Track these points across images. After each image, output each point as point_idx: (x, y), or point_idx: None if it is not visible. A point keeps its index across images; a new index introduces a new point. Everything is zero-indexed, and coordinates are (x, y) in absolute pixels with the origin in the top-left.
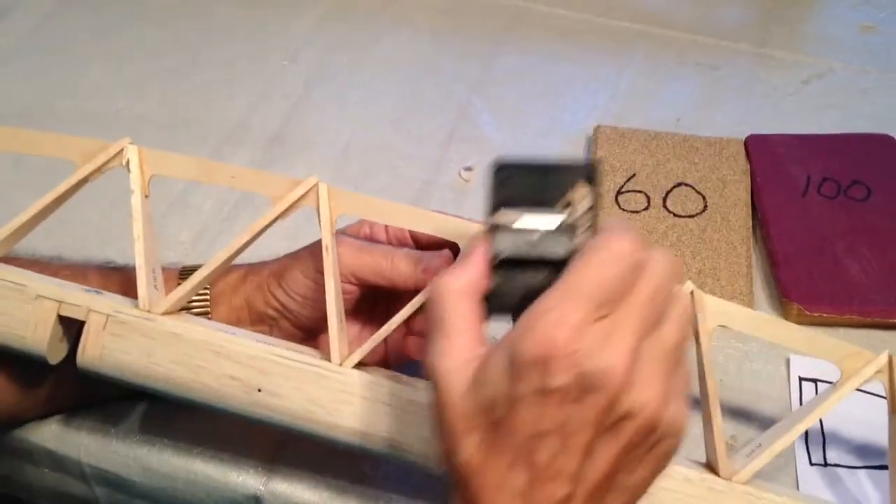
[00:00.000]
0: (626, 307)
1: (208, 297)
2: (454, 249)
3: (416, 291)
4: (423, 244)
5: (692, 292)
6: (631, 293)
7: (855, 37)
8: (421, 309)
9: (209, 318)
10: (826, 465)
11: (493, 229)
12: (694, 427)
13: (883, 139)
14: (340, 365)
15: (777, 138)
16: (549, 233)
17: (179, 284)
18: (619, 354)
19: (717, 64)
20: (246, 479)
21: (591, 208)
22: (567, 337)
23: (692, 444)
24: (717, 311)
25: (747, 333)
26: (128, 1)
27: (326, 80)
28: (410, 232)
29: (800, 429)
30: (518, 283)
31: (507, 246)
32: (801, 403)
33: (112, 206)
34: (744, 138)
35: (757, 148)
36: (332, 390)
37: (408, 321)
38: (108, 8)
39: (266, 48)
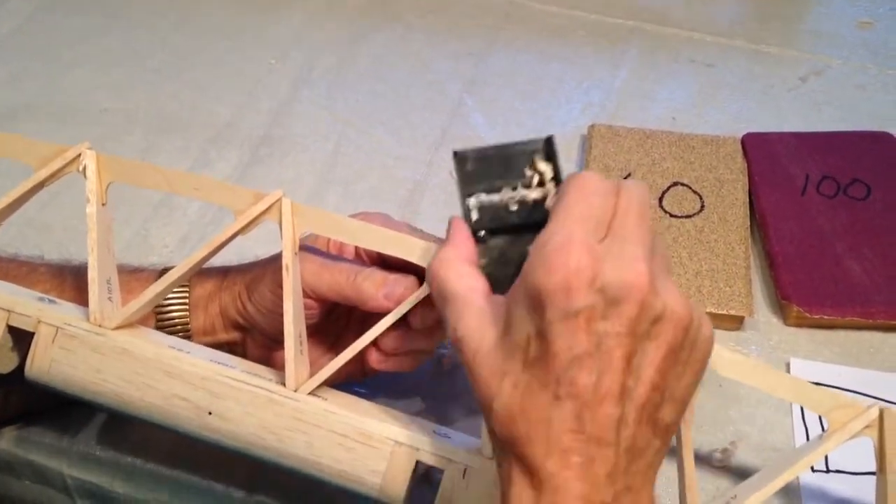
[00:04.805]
0: (622, 224)
1: (187, 304)
2: (422, 274)
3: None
4: (393, 261)
5: None
6: (618, 213)
7: (853, 33)
8: (389, 329)
9: (188, 325)
10: (829, 471)
11: (470, 209)
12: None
13: (882, 136)
14: (295, 391)
15: (775, 136)
16: (523, 202)
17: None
18: (637, 263)
19: (712, 61)
20: (231, 487)
21: (553, 178)
22: (578, 256)
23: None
24: None
25: (733, 378)
26: (113, 2)
27: (315, 79)
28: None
29: (777, 484)
30: (506, 253)
31: (487, 220)
32: (801, 408)
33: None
34: (740, 136)
35: (754, 146)
36: (285, 417)
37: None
38: (92, 9)
39: (253, 48)
